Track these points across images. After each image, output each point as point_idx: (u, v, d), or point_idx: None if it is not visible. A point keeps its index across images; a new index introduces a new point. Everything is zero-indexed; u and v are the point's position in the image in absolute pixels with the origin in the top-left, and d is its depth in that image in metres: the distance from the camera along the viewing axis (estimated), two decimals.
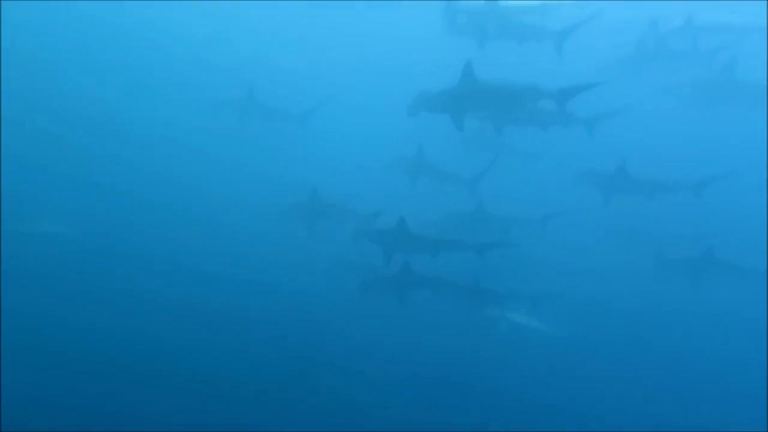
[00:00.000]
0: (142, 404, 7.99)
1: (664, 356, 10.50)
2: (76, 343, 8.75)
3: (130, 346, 8.86)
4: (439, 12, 10.56)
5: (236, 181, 13.12)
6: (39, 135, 12.95)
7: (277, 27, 16.96)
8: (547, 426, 8.78)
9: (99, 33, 15.90)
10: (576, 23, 9.97)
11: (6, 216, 10.44)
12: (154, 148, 13.76)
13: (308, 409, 8.50)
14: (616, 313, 11.12)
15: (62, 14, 15.52)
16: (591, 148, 10.00)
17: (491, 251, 9.19)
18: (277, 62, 16.33)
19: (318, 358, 9.39)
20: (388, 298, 9.42)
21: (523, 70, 8.95)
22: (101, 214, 11.76)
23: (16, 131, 12.26)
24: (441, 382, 9.29)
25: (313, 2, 15.90)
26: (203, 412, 8.10)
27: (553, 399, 9.19)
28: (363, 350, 9.53)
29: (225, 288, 10.41)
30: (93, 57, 15.48)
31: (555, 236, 11.28)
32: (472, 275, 9.53)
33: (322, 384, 8.96)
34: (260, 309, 10.07)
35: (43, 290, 9.54)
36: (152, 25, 16.31)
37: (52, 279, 9.93)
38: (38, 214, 11.26)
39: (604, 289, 11.35)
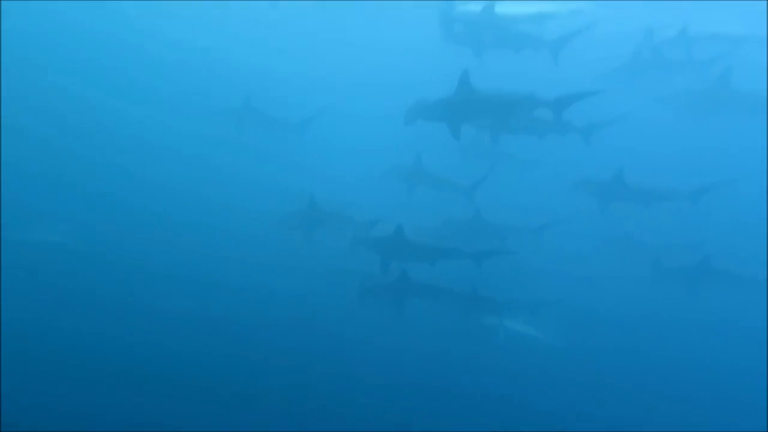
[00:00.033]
0: (141, 410, 7.99)
1: (661, 364, 10.50)
2: (75, 352, 8.73)
3: (129, 354, 8.86)
4: (436, 21, 10.63)
5: (234, 189, 13.13)
6: (36, 143, 12.96)
7: (275, 36, 17.02)
8: None
9: (98, 42, 15.95)
10: (572, 32, 10.04)
11: (3, 225, 10.43)
12: (153, 156, 13.77)
13: (306, 415, 8.49)
14: (613, 321, 11.11)
15: (59, 23, 15.59)
16: (588, 157, 10.03)
17: (489, 259, 9.21)
18: (275, 71, 16.38)
19: (315, 364, 9.37)
20: (385, 305, 9.42)
21: (519, 78, 9.01)
22: (99, 222, 11.76)
23: (13, 139, 12.26)
24: (438, 390, 9.28)
25: (311, 11, 15.96)
26: (202, 418, 8.10)
27: (550, 406, 9.18)
28: (361, 357, 9.52)
29: (223, 296, 10.41)
30: (91, 66, 15.50)
31: (552, 244, 11.31)
32: (469, 283, 9.53)
33: (319, 390, 8.95)
34: (259, 316, 10.06)
35: (40, 299, 9.54)
36: (151, 34, 16.37)
37: (49, 288, 9.92)
38: (36, 222, 11.25)
39: (601, 297, 11.35)
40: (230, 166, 13.64)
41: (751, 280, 10.32)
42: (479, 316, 10.02)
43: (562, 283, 10.98)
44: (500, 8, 10.38)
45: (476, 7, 10.41)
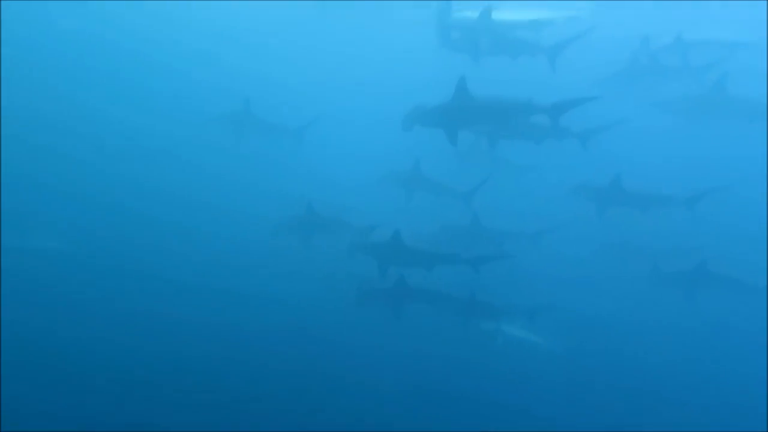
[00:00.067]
0: (140, 415, 8.00)
1: (659, 368, 10.52)
2: (75, 358, 8.75)
3: (126, 360, 8.87)
4: (433, 27, 10.67)
5: (232, 194, 13.15)
6: (32, 150, 12.96)
7: (273, 42, 17.08)
8: None
9: (96, 48, 15.98)
10: (569, 38, 10.08)
11: (2, 231, 10.43)
12: (152, 162, 13.80)
13: (304, 420, 8.49)
14: (611, 326, 11.13)
15: (57, 29, 15.61)
16: (585, 162, 10.07)
17: (486, 264, 9.21)
18: (273, 77, 16.41)
19: (313, 369, 9.38)
20: (383, 311, 9.43)
21: (516, 84, 9.05)
22: (98, 228, 11.77)
23: (10, 146, 12.27)
24: (437, 395, 9.29)
25: (309, 18, 16.02)
26: (202, 423, 8.11)
27: (549, 411, 9.18)
28: (359, 362, 9.53)
29: (222, 301, 10.42)
30: (90, 72, 15.55)
31: (550, 249, 11.33)
32: (467, 288, 9.54)
33: (317, 395, 8.95)
34: (257, 321, 10.08)
35: (40, 305, 9.54)
36: (149, 40, 16.40)
37: (49, 294, 9.93)
38: (32, 229, 11.25)
39: (599, 302, 11.37)
40: (228, 171, 13.65)
41: (749, 285, 10.33)
42: (477, 321, 10.01)
43: (560, 288, 11.00)
44: (497, 14, 10.43)
45: (473, 14, 10.45)
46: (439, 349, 9.99)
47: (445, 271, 9.36)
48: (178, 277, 10.79)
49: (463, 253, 9.29)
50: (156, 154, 14.00)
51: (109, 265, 10.95)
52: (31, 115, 13.56)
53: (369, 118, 14.41)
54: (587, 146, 9.73)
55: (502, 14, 10.55)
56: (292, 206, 10.75)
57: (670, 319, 11.14)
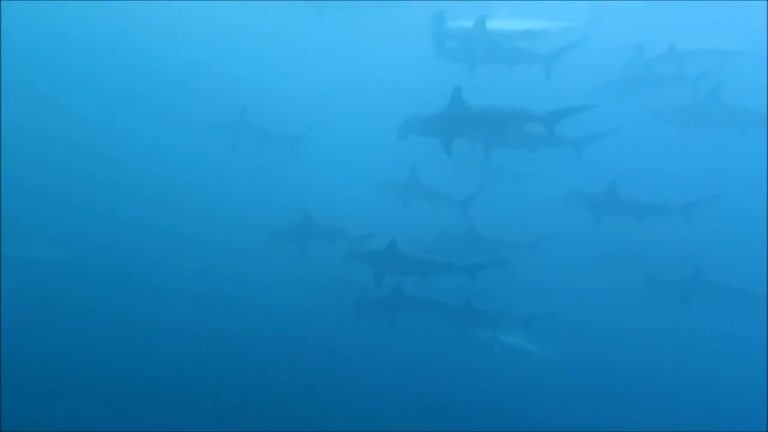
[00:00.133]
0: (138, 423, 8.01)
1: (656, 376, 10.53)
2: (74, 366, 8.75)
3: (126, 368, 8.88)
4: (429, 37, 10.73)
5: (230, 202, 13.17)
6: (31, 159, 12.97)
7: (270, 50, 17.15)
8: None
9: (94, 57, 16.03)
10: (564, 47, 10.14)
11: (1, 241, 10.43)
12: (149, 171, 13.82)
13: (302, 428, 8.47)
14: (607, 334, 11.15)
15: (56, 38, 15.66)
16: (580, 171, 10.11)
17: (483, 272, 9.23)
18: (270, 85, 16.48)
19: (309, 377, 9.39)
20: (380, 319, 9.43)
21: (512, 93, 9.10)
22: (96, 237, 11.77)
23: (10, 156, 12.29)
24: (434, 403, 9.28)
25: (305, 27, 16.09)
26: (200, 430, 8.06)
27: (545, 419, 9.18)
28: (355, 370, 9.53)
29: (219, 308, 10.42)
30: (87, 81, 15.58)
31: (546, 257, 11.35)
32: (464, 296, 9.55)
33: (313, 403, 8.94)
34: (253, 329, 10.07)
35: (39, 314, 9.55)
36: (146, 49, 16.46)
37: (48, 303, 9.94)
38: (31, 239, 11.25)
39: (595, 310, 11.39)
40: (226, 179, 13.68)
41: (744, 293, 10.35)
42: (474, 329, 10.02)
43: (557, 296, 11.03)
44: (492, 24, 10.50)
45: (468, 23, 10.53)
46: (435, 357, 9.99)
47: (441, 280, 9.37)
48: (176, 286, 10.78)
49: (460, 262, 9.31)
50: (155, 163, 14.03)
51: (109, 274, 10.96)
52: (29, 125, 13.58)
53: (366, 126, 14.46)
54: (582, 155, 9.77)
55: (497, 24, 10.62)
56: (289, 214, 10.78)
57: (666, 327, 11.16)
